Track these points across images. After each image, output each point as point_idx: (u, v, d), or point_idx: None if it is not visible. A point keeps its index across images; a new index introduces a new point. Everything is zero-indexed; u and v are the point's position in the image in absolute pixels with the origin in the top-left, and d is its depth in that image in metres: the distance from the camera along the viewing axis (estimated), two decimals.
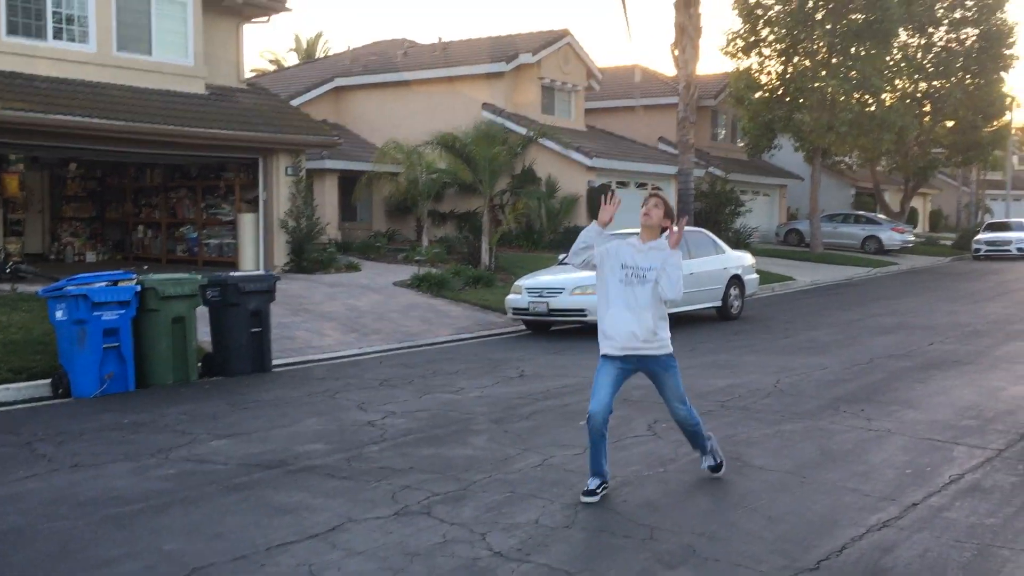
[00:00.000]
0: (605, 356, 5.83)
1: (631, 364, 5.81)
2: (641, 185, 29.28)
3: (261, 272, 13.95)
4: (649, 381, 5.99)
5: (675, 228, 5.71)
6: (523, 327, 14.57)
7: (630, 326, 5.69)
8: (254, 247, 18.82)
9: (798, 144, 32.05)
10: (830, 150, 33.19)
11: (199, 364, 10.48)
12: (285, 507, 5.69)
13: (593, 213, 26.10)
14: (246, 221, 18.88)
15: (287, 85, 29.17)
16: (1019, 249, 34.18)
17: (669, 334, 5.87)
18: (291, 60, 50.03)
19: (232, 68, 19.29)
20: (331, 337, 13.03)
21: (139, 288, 9.78)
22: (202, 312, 10.58)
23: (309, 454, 6.97)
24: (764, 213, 37.47)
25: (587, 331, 14.00)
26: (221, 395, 9.47)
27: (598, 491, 5.71)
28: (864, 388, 9.31)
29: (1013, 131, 45.72)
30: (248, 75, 25.75)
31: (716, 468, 6.14)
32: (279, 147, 18.42)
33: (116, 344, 9.52)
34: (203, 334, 10.88)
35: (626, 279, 5.71)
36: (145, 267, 17.63)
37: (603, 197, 5.68)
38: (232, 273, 11.47)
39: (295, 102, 26.00)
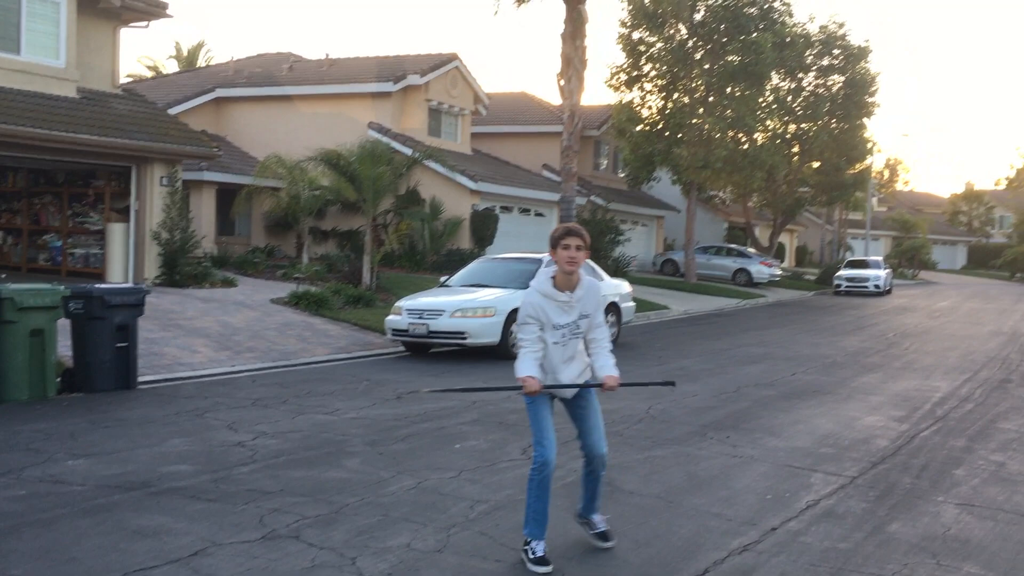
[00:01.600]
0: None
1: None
2: (524, 211, 29.63)
3: (130, 285, 13.43)
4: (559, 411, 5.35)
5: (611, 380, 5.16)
6: (402, 348, 14.48)
7: (565, 373, 5.17)
8: (123, 259, 18.10)
9: (676, 177, 33.15)
10: (705, 185, 34.51)
11: (58, 380, 9.97)
12: (145, 531, 5.47)
13: (476, 236, 26.24)
14: (116, 231, 18.15)
15: (166, 93, 28.28)
16: (876, 286, 36.23)
17: None
18: (171, 68, 48.59)
19: (107, 73, 18.58)
20: (202, 354, 12.63)
21: None
22: (64, 325, 10.09)
23: (173, 475, 6.72)
24: (642, 243, 38.50)
25: (466, 353, 14.04)
26: (81, 412, 9.04)
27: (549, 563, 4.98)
28: (731, 416, 9.64)
29: (873, 174, 48.46)
30: (125, 81, 24.84)
31: (606, 537, 5.43)
32: (154, 156, 17.81)
33: None
34: (65, 348, 10.37)
35: (562, 339, 5.09)
36: (2, 275, 16.72)
37: None
38: (98, 285, 10.98)
39: (173, 110, 25.23)
